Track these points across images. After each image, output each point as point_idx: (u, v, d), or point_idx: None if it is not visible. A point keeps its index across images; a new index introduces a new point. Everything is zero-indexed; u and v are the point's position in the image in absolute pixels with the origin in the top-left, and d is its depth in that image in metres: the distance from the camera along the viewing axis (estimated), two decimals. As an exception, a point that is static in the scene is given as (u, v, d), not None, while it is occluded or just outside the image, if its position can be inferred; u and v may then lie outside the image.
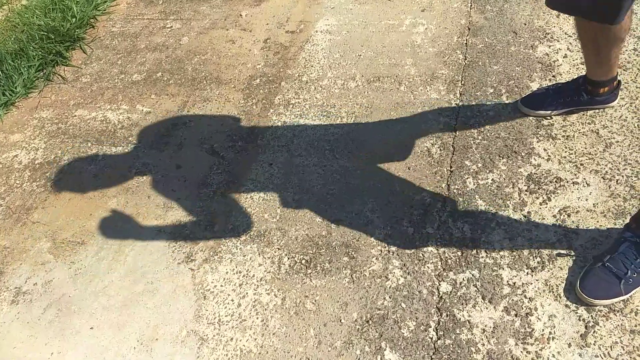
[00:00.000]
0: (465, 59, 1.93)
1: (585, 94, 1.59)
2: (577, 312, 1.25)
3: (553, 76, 1.79)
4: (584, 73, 1.59)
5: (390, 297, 1.35)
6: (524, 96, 1.70)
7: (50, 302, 1.51)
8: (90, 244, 1.63)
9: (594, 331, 1.22)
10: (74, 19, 2.44)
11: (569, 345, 1.21)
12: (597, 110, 1.64)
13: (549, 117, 1.64)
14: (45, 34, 2.35)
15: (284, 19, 2.31)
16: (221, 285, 1.45)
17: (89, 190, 1.78)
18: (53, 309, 1.49)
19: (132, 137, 1.94)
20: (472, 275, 1.36)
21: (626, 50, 1.80)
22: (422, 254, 1.42)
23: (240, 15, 2.40)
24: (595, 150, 1.55)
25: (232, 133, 1.87)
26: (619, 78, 1.57)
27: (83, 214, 1.71)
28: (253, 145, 1.81)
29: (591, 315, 1.24)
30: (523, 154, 1.59)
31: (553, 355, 1.20)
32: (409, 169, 1.63)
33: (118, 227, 1.65)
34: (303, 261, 1.47)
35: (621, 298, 1.25)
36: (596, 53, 1.44)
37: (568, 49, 1.87)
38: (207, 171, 1.76)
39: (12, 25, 2.51)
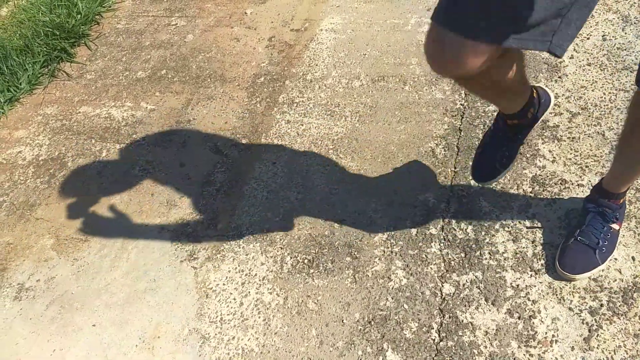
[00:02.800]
0: (471, 59, 1.91)
1: (518, 134, 1.36)
2: (580, 316, 1.25)
3: (559, 77, 1.77)
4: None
5: (392, 298, 1.35)
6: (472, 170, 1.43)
7: (53, 299, 1.51)
8: (94, 241, 1.63)
9: (598, 334, 1.21)
10: (79, 16, 2.44)
11: (572, 348, 1.20)
12: (603, 112, 1.63)
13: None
14: (50, 30, 2.35)
15: (289, 17, 2.31)
16: (223, 284, 1.45)
17: (92, 187, 1.78)
18: (56, 305, 1.50)
19: (136, 135, 1.94)
20: (476, 277, 1.35)
21: (633, 51, 1.79)
22: (425, 255, 1.41)
23: (245, 13, 2.39)
24: (601, 152, 1.54)
25: (235, 131, 1.87)
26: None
27: (86, 211, 1.71)
28: (257, 144, 1.80)
29: (595, 319, 1.24)
30: (528, 156, 1.58)
31: (556, 359, 1.19)
32: (412, 169, 1.62)
33: (121, 224, 1.66)
34: (305, 261, 1.46)
35: (600, 268, 1.29)
36: (495, 92, 1.13)
37: (574, 49, 1.86)
38: (210, 169, 1.76)
39: (17, 21, 2.51)
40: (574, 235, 1.32)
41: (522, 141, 1.40)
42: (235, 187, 1.69)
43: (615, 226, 1.32)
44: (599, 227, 1.30)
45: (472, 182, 1.54)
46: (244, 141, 1.83)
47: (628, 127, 1.13)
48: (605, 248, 1.29)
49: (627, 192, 1.33)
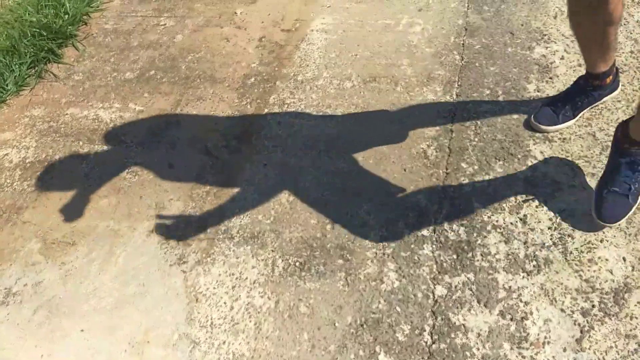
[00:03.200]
0: (462, 60, 1.92)
1: (593, 91, 1.57)
2: (572, 317, 1.25)
3: (550, 78, 1.78)
4: (579, 75, 1.59)
5: (385, 301, 1.34)
6: (534, 114, 1.63)
7: (40, 304, 1.49)
8: (81, 244, 1.60)
9: (589, 335, 1.21)
10: (66, 16, 2.40)
11: (564, 349, 1.20)
12: (594, 113, 1.64)
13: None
14: (38, 30, 2.32)
15: (280, 17, 2.29)
16: (214, 288, 1.43)
17: (80, 189, 1.76)
18: (43, 310, 1.47)
19: (125, 136, 1.91)
20: (468, 278, 1.34)
21: (623, 52, 1.79)
22: (418, 257, 1.41)
23: (235, 13, 2.37)
24: (592, 153, 1.54)
25: (226, 133, 1.85)
26: (615, 65, 1.56)
27: (74, 214, 1.69)
28: (247, 146, 1.79)
29: (587, 320, 1.24)
30: (519, 157, 1.58)
31: (548, 360, 1.19)
32: (404, 170, 1.61)
33: (109, 227, 1.63)
34: (297, 263, 1.45)
35: (634, 208, 1.37)
36: (600, 39, 1.39)
37: (565, 50, 1.86)
38: (200, 171, 1.74)
39: (4, 21, 2.47)
40: (606, 186, 1.37)
41: (589, 105, 1.61)
42: (225, 189, 1.67)
43: None
44: (630, 175, 1.37)
45: (464, 184, 1.54)
46: (234, 142, 1.81)
47: None
48: (636, 189, 1.37)
49: None
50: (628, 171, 1.36)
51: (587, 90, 1.58)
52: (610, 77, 1.56)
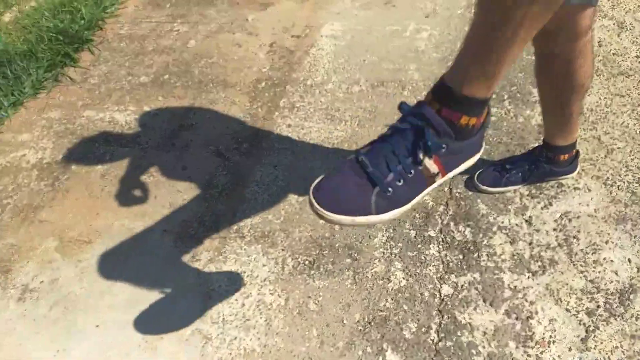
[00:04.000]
0: (469, 65, 1.94)
1: (545, 163, 1.45)
2: (577, 317, 1.27)
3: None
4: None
5: (392, 299, 1.37)
6: (478, 173, 1.54)
7: (56, 300, 1.53)
8: (97, 243, 1.65)
9: (595, 335, 1.23)
10: (82, 21, 2.47)
11: (570, 349, 1.22)
12: (599, 117, 1.66)
13: (511, 192, 1.54)
14: (54, 35, 2.38)
15: (290, 24, 2.34)
16: (226, 285, 1.47)
17: (96, 189, 1.80)
18: (59, 306, 1.51)
19: (139, 138, 1.96)
20: (474, 278, 1.37)
21: (629, 57, 1.82)
22: (424, 257, 1.44)
23: (247, 19, 2.43)
24: (597, 156, 1.57)
25: (237, 135, 1.89)
26: (577, 147, 1.45)
27: (90, 213, 1.73)
28: (258, 148, 1.83)
29: (592, 320, 1.26)
30: (525, 159, 1.60)
31: (554, 359, 1.21)
32: (412, 172, 1.64)
33: (124, 226, 1.68)
34: (306, 262, 1.48)
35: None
36: (560, 107, 1.30)
37: (571, 56, 1.89)
38: (212, 173, 1.78)
39: (21, 26, 2.54)
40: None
41: (538, 177, 1.51)
42: (236, 190, 1.71)
43: None
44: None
45: (470, 185, 1.57)
46: (245, 145, 1.85)
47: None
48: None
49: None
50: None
51: (539, 160, 1.46)
52: (566, 156, 1.42)
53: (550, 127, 1.40)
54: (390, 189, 0.75)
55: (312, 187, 0.78)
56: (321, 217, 0.76)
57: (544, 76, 1.26)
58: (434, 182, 0.78)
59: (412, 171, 0.75)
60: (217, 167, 1.80)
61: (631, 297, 1.28)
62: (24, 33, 2.48)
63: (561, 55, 1.14)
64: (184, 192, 1.74)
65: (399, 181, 0.75)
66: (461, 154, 0.77)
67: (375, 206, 0.75)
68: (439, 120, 0.72)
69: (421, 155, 0.74)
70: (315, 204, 0.76)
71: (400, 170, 0.75)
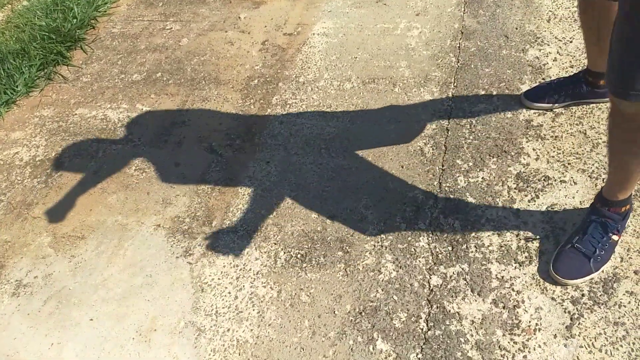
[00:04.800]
0: (458, 62, 1.98)
1: (586, 85, 1.65)
2: (562, 305, 1.30)
3: (542, 79, 1.84)
4: (576, 71, 1.65)
5: (382, 290, 1.39)
6: (526, 90, 1.76)
7: (50, 295, 1.54)
8: (90, 238, 1.66)
9: (579, 323, 1.26)
10: (74, 20, 2.48)
11: (555, 336, 1.25)
12: (585, 112, 1.70)
13: (550, 110, 1.71)
14: (47, 34, 2.39)
15: (282, 22, 2.36)
16: (218, 279, 1.49)
17: (89, 186, 1.82)
18: (53, 301, 1.52)
19: (132, 135, 1.97)
20: (462, 269, 1.40)
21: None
22: (414, 249, 1.46)
23: (239, 17, 2.45)
24: (583, 150, 1.60)
25: (230, 132, 1.91)
26: None
27: (83, 209, 1.75)
28: (250, 144, 1.85)
29: (576, 308, 1.29)
30: (513, 154, 1.64)
31: (539, 346, 1.24)
32: (402, 167, 1.67)
33: (117, 222, 1.69)
34: (299, 255, 1.51)
35: (592, 276, 1.33)
36: (598, 39, 1.47)
37: (558, 52, 1.93)
38: (205, 169, 1.80)
39: (14, 25, 2.54)
40: (571, 241, 1.34)
41: (578, 97, 1.71)
42: (229, 185, 1.73)
43: (615, 237, 1.34)
44: (598, 237, 1.32)
45: (459, 179, 1.60)
46: (238, 141, 1.87)
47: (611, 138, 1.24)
48: (601, 257, 1.32)
49: (631, 199, 1.34)
50: (596, 231, 1.32)
51: (581, 82, 1.66)
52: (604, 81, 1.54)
53: (591, 55, 1.58)
54: (599, 257, 1.32)
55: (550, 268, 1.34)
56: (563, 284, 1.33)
57: (586, 15, 1.48)
58: (617, 243, 1.36)
59: (607, 244, 1.33)
60: (210, 163, 1.82)
61: (614, 285, 1.31)
62: (16, 32, 2.48)
63: None
64: (177, 188, 1.76)
65: (602, 251, 1.33)
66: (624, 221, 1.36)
67: (594, 268, 1.32)
68: (612, 215, 1.33)
69: (610, 234, 1.33)
70: (558, 277, 1.32)
71: (600, 246, 1.32)
